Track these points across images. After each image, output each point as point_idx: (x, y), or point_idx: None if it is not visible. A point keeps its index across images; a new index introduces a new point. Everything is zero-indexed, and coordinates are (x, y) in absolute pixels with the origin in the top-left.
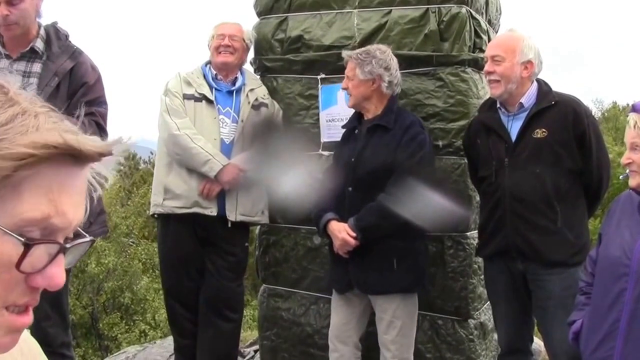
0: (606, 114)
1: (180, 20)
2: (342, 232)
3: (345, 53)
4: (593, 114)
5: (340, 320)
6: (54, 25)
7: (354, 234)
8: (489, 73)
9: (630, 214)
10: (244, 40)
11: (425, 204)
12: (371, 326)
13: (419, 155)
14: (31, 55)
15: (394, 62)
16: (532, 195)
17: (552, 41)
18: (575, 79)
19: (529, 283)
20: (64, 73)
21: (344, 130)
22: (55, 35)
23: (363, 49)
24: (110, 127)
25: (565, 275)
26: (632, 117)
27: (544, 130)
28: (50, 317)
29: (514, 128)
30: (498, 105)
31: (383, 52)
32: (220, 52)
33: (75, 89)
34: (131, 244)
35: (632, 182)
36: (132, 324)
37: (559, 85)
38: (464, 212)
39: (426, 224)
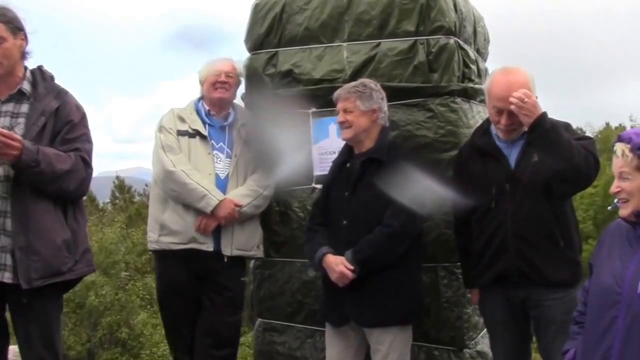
0: (599, 135)
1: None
2: (339, 265)
3: (342, 90)
4: None
5: (337, 355)
6: (39, 68)
7: (351, 267)
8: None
9: (621, 243)
10: (238, 76)
11: (420, 188)
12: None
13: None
14: (19, 97)
15: (384, 95)
16: (535, 219)
17: None
18: None
19: (528, 309)
20: (50, 112)
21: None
22: (40, 77)
23: (357, 82)
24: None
25: (567, 300)
26: (618, 146)
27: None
28: (44, 359)
29: (512, 154)
30: (495, 132)
31: (375, 84)
32: (216, 88)
33: (61, 127)
34: (129, 278)
35: (623, 212)
36: (132, 359)
37: None
38: (457, 197)
39: (422, 209)
